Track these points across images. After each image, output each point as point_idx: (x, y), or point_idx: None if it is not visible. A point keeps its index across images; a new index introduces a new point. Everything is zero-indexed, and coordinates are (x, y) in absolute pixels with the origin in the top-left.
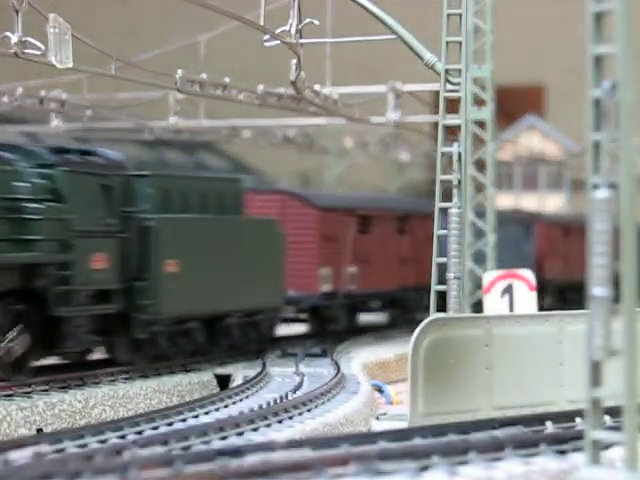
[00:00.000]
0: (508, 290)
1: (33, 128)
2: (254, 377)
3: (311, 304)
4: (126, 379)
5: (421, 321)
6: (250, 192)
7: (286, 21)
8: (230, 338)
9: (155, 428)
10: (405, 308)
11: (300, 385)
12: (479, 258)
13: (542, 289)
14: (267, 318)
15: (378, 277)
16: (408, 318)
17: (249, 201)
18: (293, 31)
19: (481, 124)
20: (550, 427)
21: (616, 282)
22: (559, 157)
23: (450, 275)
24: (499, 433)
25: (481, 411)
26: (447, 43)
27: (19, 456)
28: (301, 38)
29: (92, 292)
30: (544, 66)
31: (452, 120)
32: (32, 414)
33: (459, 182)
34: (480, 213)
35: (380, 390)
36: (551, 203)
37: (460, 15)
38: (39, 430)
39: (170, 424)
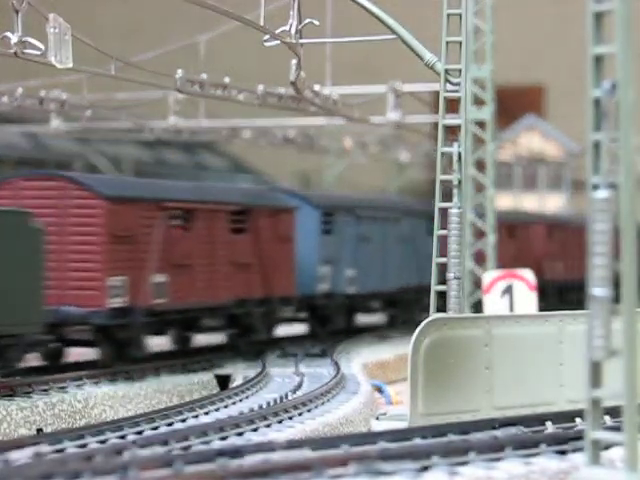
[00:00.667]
0: (508, 290)
1: (33, 128)
2: (254, 377)
3: (98, 323)
4: (126, 379)
5: (267, 342)
6: (19, 178)
7: (286, 21)
8: None
9: (155, 428)
10: (245, 326)
11: (300, 385)
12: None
13: None
14: (17, 343)
15: (201, 287)
16: (250, 339)
17: (17, 189)
18: (293, 31)
19: (481, 124)
20: (550, 427)
21: (616, 282)
22: (559, 157)
23: (450, 275)
24: (499, 433)
25: (481, 411)
26: (447, 43)
27: (19, 456)
28: (301, 38)
29: None
30: (544, 66)
31: (452, 120)
32: (32, 414)
33: (459, 182)
34: (480, 213)
35: (380, 390)
36: (551, 203)
37: (460, 15)
38: (39, 430)
39: (170, 424)
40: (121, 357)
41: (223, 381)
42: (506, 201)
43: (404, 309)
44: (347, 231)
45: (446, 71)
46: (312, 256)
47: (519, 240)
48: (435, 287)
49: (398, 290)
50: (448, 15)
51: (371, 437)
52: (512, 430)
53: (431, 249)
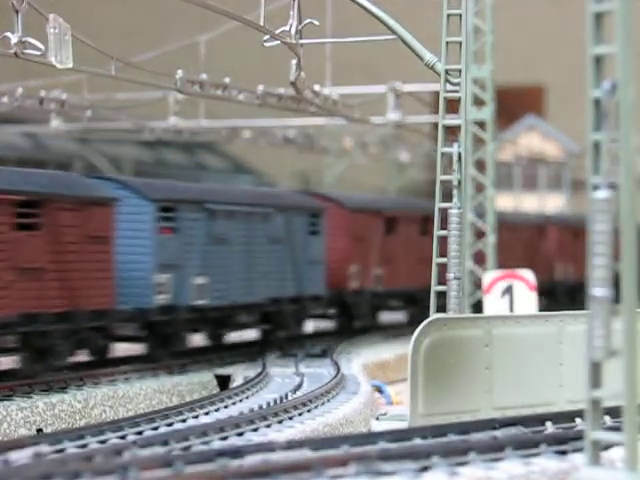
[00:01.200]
0: (508, 290)
1: (33, 128)
2: (254, 377)
3: None
4: (126, 379)
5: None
6: None
7: (286, 21)
8: None
9: (155, 428)
10: (40, 349)
11: (300, 385)
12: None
13: (347, 310)
14: None
15: None
16: (47, 365)
17: None
18: (293, 31)
19: (481, 124)
20: (550, 427)
21: (616, 282)
22: (559, 157)
23: (450, 275)
24: (499, 433)
25: (481, 411)
26: (447, 43)
27: (19, 456)
28: (301, 38)
29: None
30: (544, 66)
31: (452, 120)
32: (32, 414)
33: (459, 182)
34: (480, 213)
35: (380, 390)
36: (551, 203)
37: (460, 15)
38: (39, 430)
39: (170, 424)
40: None
41: (223, 381)
42: (506, 201)
43: (280, 324)
44: (196, 230)
45: (446, 71)
46: (145, 261)
47: (402, 235)
48: (435, 287)
49: (269, 302)
50: (448, 15)
51: (371, 437)
52: (512, 430)
53: (314, 251)
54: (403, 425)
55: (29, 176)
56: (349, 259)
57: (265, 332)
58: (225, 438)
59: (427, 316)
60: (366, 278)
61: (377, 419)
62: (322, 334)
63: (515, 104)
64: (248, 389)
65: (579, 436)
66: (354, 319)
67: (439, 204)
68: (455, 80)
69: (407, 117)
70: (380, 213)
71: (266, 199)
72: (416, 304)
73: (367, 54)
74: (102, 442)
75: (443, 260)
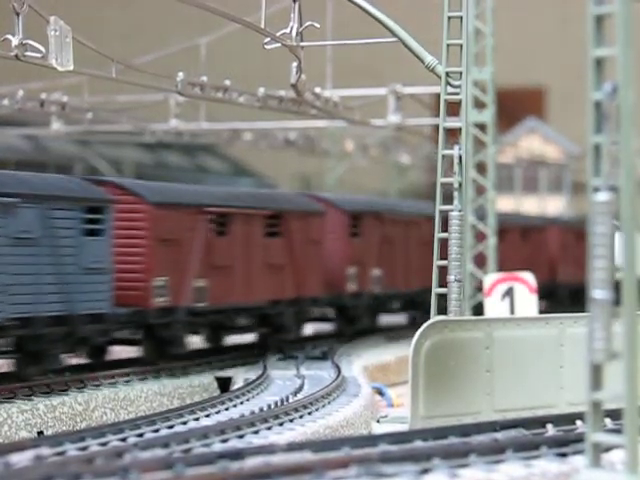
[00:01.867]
0: (509, 293)
1: (34, 131)
2: (255, 380)
3: None
4: (127, 382)
5: None
6: None
7: (287, 24)
8: None
9: (156, 431)
10: None
11: (301, 388)
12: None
13: (153, 333)
14: None
15: None
16: None
17: None
18: (294, 34)
19: (482, 127)
20: (551, 430)
21: (616, 285)
22: (559, 160)
23: (451, 278)
24: (500, 436)
25: (482, 414)
26: (448, 46)
27: (20, 459)
28: (302, 41)
29: None
30: (545, 68)
31: (453, 123)
32: (33, 417)
33: (460, 185)
34: (481, 216)
35: (381, 393)
36: (552, 206)
37: (461, 18)
38: (40, 433)
39: (171, 427)
40: None
41: (224, 383)
42: (507, 204)
43: (34, 352)
44: None
45: (447, 74)
46: None
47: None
48: (436, 289)
49: (18, 324)
50: (449, 18)
51: (372, 439)
52: (513, 432)
53: (93, 257)
54: (404, 427)
55: None
56: (152, 268)
57: (18, 362)
58: (226, 440)
59: (283, 337)
60: (180, 292)
61: (378, 421)
62: (128, 363)
63: (516, 106)
64: (249, 391)
65: (580, 438)
66: (165, 344)
67: (440, 206)
68: (456, 82)
69: (408, 119)
70: (203, 209)
71: (8, 185)
72: (268, 323)
73: (368, 56)
74: (103, 444)
75: (443, 262)
